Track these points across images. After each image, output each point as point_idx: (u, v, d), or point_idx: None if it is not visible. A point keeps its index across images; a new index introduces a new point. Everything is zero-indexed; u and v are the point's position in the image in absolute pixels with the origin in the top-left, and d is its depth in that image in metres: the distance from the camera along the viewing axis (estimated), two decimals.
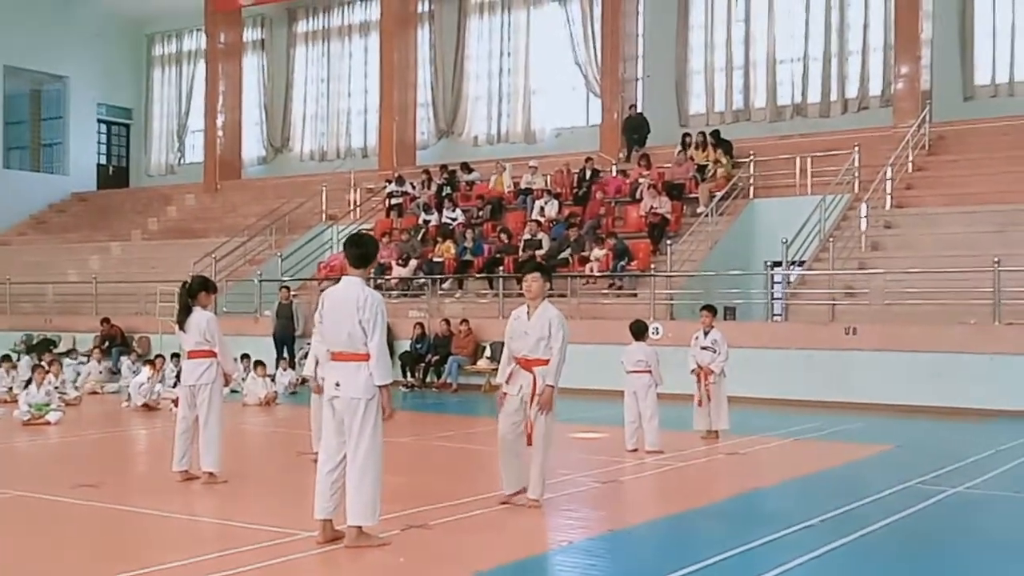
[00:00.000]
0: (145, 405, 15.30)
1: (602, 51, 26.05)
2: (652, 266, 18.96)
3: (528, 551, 6.82)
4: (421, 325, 19.69)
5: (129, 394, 15.84)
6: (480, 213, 23.02)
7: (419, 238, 22.56)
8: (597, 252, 19.46)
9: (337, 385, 6.66)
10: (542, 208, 21.89)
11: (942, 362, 15.25)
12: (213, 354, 9.13)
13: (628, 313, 18.15)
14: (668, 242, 19.24)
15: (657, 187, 20.72)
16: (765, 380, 15.84)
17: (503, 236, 21.15)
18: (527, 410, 7.89)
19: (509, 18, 28.66)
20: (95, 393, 17.99)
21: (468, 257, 21.22)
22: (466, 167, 25.05)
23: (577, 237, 20.21)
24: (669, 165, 22.11)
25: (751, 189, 21.21)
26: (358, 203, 26.37)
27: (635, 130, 24.40)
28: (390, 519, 7.19)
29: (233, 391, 16.54)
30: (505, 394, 8.03)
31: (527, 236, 20.77)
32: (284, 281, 21.98)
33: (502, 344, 8.38)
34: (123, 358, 20.32)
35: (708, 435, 11.97)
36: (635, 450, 10.92)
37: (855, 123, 23.15)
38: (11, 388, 16.14)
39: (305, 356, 12.47)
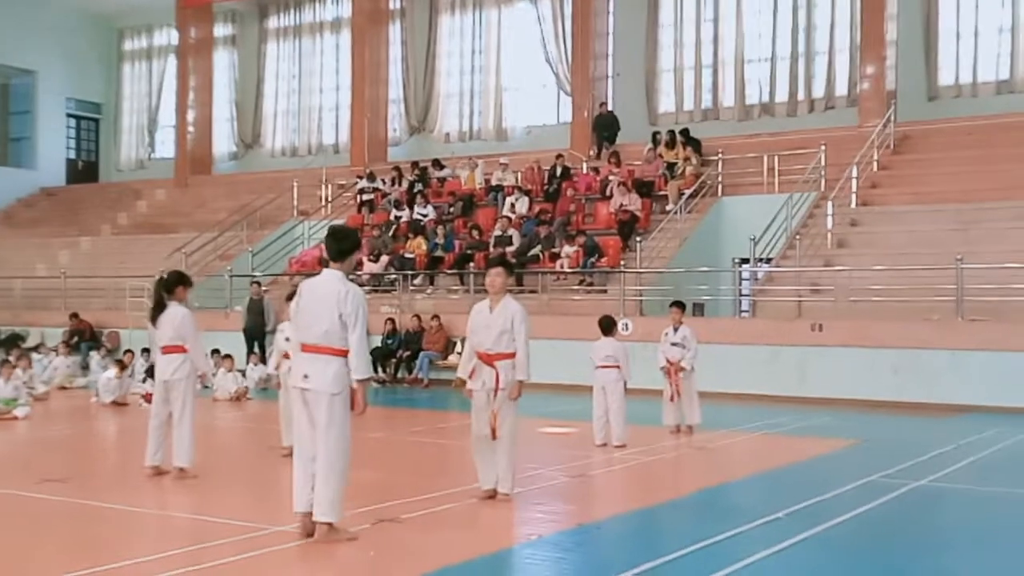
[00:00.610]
0: (114, 401, 15.22)
1: (573, 49, 26.15)
2: (622, 263, 19.11)
3: (498, 545, 6.90)
4: (392, 321, 19.74)
5: (98, 390, 15.77)
6: (451, 209, 23.07)
7: (390, 234, 22.58)
8: (567, 249, 19.58)
9: (305, 377, 6.67)
10: (513, 205, 21.98)
11: (906, 358, 15.50)
12: (184, 349, 9.13)
13: (598, 309, 18.29)
14: (638, 239, 19.39)
15: (627, 184, 20.86)
16: (733, 375, 16.02)
17: (474, 232, 21.22)
18: (492, 404, 7.98)
19: (480, 16, 28.70)
20: (64, 388, 17.89)
21: (439, 253, 21.28)
22: (437, 164, 25.08)
23: (548, 234, 20.31)
24: (639, 163, 22.27)
25: (719, 187, 21.39)
26: (329, 199, 26.36)
27: (605, 128, 24.53)
28: (361, 513, 7.25)
29: (204, 386, 16.53)
30: (471, 390, 8.11)
31: (498, 232, 20.85)
32: (255, 276, 21.94)
33: None
34: (92, 353, 20.22)
35: (677, 430, 12.12)
36: (604, 444, 11.03)
37: (822, 122, 23.38)
38: None
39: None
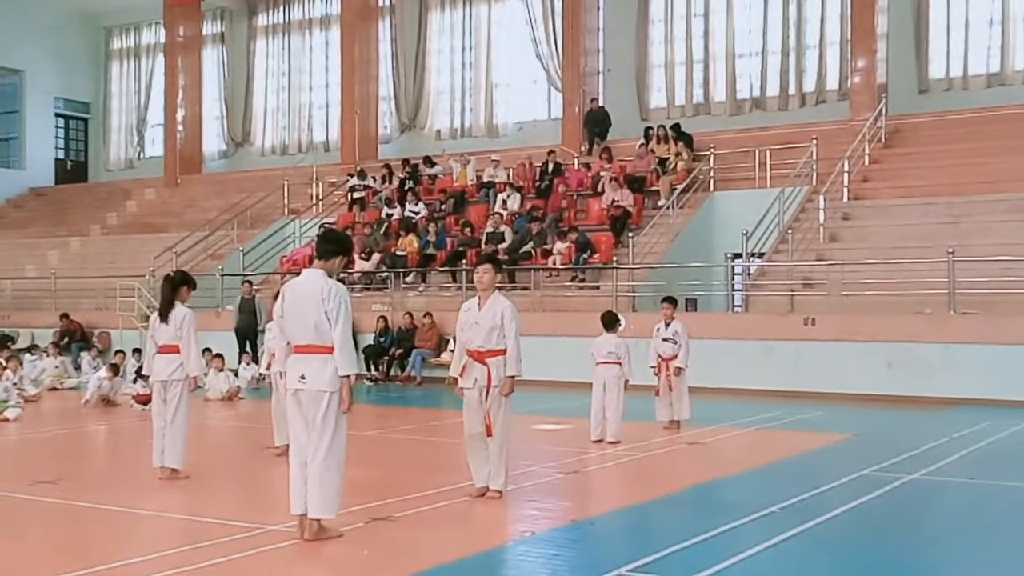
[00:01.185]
0: (106, 401, 15.14)
1: (563, 45, 26.12)
2: (614, 258, 19.09)
3: (491, 542, 6.88)
4: (384, 319, 19.69)
5: (89, 390, 15.69)
6: (443, 207, 23.03)
7: (382, 232, 22.53)
8: (559, 245, 19.56)
9: (302, 378, 6.64)
10: (504, 201, 21.95)
11: (898, 351, 15.51)
12: (178, 350, 9.06)
13: (591, 305, 18.30)
14: (630, 235, 19.38)
15: (619, 180, 20.85)
16: (725, 370, 16.01)
17: (466, 230, 21.18)
18: (484, 402, 7.96)
19: (471, 12, 28.65)
20: (55, 389, 17.82)
21: (431, 251, 21.25)
22: (428, 161, 25.04)
23: (539, 230, 20.29)
24: (630, 158, 22.24)
25: (711, 182, 21.39)
26: (320, 197, 26.29)
27: (596, 123, 24.51)
28: (354, 512, 7.22)
29: (197, 386, 16.46)
30: (462, 388, 8.09)
31: (490, 229, 20.82)
32: (246, 275, 21.87)
33: None
34: (83, 354, 20.14)
35: (670, 425, 12.12)
36: (599, 441, 11.01)
37: (813, 116, 23.40)
38: None
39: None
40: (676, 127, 22.55)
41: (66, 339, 21.42)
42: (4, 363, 14.98)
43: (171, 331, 9.03)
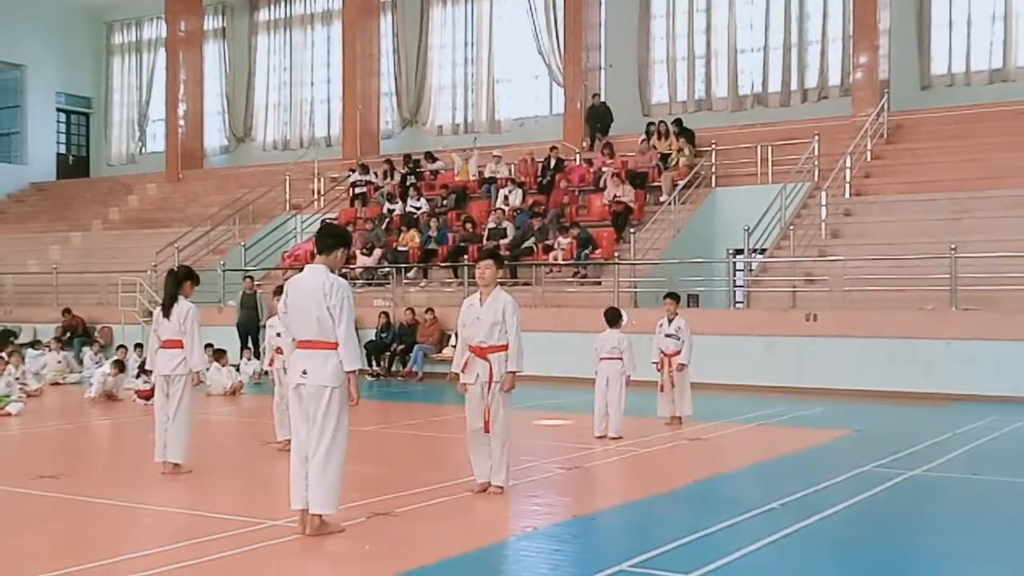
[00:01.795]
0: (109, 396, 15.16)
1: (565, 40, 26.09)
2: (616, 254, 19.08)
3: (493, 538, 6.88)
4: (386, 314, 19.69)
5: (91, 384, 15.70)
6: (444, 202, 23.03)
7: (383, 227, 22.53)
8: (561, 240, 19.56)
9: (304, 373, 6.64)
10: (506, 197, 21.94)
11: (900, 347, 15.50)
12: (182, 344, 9.05)
13: (592, 301, 18.30)
14: (631, 230, 19.37)
15: (620, 176, 20.83)
16: (727, 366, 16.01)
17: (468, 225, 21.18)
18: (485, 398, 7.97)
19: (472, 7, 28.63)
20: (57, 384, 17.84)
21: (433, 246, 21.23)
22: (430, 156, 25.02)
23: (541, 226, 20.28)
24: (632, 154, 22.23)
25: (713, 178, 21.38)
26: (322, 192, 26.29)
27: (598, 119, 24.50)
28: (356, 507, 7.23)
29: (200, 381, 16.45)
30: (464, 384, 8.09)
31: (491, 225, 20.82)
32: (248, 271, 21.90)
33: None
34: (85, 349, 20.16)
35: (672, 421, 12.12)
36: (603, 436, 11.01)
37: (815, 112, 23.38)
38: None
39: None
40: (678, 123, 22.53)
41: (68, 334, 21.46)
42: (6, 358, 14.98)
43: (174, 326, 9.01)
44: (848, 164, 19.71)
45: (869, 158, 20.71)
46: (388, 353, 19.40)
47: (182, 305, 9.05)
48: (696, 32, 25.65)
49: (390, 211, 23.17)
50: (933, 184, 19.05)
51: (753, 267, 18.47)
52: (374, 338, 19.44)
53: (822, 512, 7.43)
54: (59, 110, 34.74)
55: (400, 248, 21.36)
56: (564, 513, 7.60)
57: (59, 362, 18.86)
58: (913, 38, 23.15)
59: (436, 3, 29.13)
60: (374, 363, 19.36)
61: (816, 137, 20.36)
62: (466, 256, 20.18)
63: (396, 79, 29.62)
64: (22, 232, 29.85)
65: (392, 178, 24.58)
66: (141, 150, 34.64)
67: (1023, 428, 12.19)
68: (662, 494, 8.43)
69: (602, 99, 25.06)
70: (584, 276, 19.47)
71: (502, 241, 20.09)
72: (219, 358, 16.41)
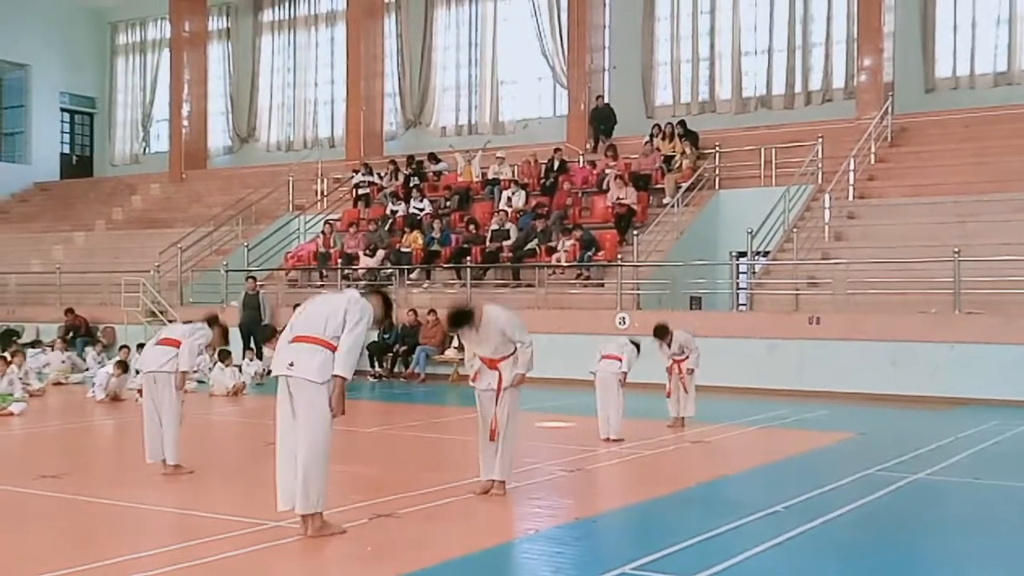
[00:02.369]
0: (112, 396, 15.12)
1: (569, 42, 26.07)
2: (619, 256, 19.06)
3: (495, 539, 6.87)
4: None
5: (94, 384, 15.70)
6: (447, 203, 23.02)
7: (386, 228, 22.52)
8: (564, 242, 19.54)
9: (291, 365, 6.56)
10: (509, 198, 21.92)
11: (904, 351, 15.48)
12: (178, 344, 9.04)
13: (595, 303, 18.32)
14: (635, 232, 19.36)
15: (624, 178, 20.82)
16: (730, 369, 15.97)
17: (471, 226, 21.17)
18: (496, 403, 7.97)
19: (476, 9, 28.64)
20: (59, 384, 17.84)
21: (435, 247, 21.22)
22: (433, 157, 25.02)
23: (544, 227, 20.27)
24: (636, 156, 22.21)
25: (716, 180, 21.36)
26: (325, 193, 26.29)
27: (602, 121, 24.49)
28: (358, 508, 7.22)
29: (200, 381, 16.49)
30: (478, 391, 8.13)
31: (494, 226, 20.81)
32: (251, 271, 21.89)
33: None
34: (88, 348, 20.16)
35: (675, 422, 12.11)
36: (608, 439, 10.98)
37: (819, 115, 23.35)
38: None
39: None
40: (682, 125, 22.52)
41: (71, 334, 21.46)
42: (9, 358, 14.97)
43: (184, 330, 9.05)
44: (852, 167, 19.68)
45: (873, 161, 20.68)
46: (390, 354, 19.39)
47: (199, 326, 9.14)
48: (700, 34, 25.64)
49: (393, 212, 23.16)
50: (937, 187, 19.03)
51: (756, 270, 18.45)
52: (376, 339, 19.42)
53: (826, 515, 7.41)
54: (63, 110, 34.78)
55: (403, 249, 21.34)
56: (567, 515, 7.58)
57: (63, 362, 18.87)
58: (917, 41, 23.12)
59: (440, 4, 29.15)
60: (376, 364, 19.35)
61: (820, 140, 20.34)
62: (469, 258, 20.19)
63: (400, 80, 29.64)
64: (25, 232, 29.88)
65: (395, 179, 24.58)
66: (145, 150, 34.67)
67: None
68: (665, 496, 8.41)
69: (606, 101, 25.05)
70: (587, 278, 19.45)
71: (505, 242, 20.08)
72: (223, 359, 16.42)
